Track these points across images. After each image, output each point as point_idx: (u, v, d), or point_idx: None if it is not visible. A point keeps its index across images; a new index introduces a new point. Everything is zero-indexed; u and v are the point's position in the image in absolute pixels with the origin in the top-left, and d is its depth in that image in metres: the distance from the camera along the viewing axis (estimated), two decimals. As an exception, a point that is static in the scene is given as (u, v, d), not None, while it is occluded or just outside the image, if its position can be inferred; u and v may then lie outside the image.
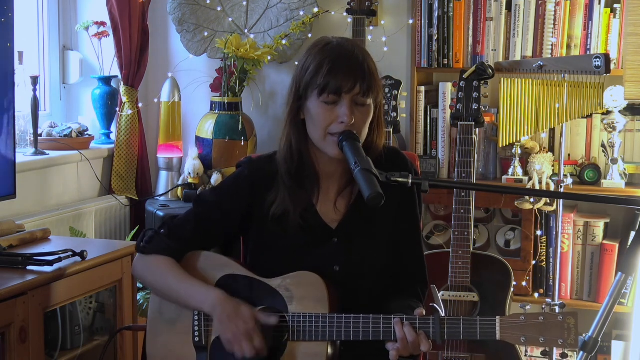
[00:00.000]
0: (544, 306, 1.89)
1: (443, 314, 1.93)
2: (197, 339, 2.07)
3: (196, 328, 2.07)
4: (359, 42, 2.11)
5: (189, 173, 3.82)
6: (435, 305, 1.95)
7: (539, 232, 3.46)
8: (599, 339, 1.81)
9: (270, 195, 2.11)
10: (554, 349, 3.25)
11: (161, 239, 2.13)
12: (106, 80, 3.96)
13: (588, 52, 3.43)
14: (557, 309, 3.26)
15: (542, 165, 3.41)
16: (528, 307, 1.92)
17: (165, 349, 2.11)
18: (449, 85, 3.62)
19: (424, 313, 1.93)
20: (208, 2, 4.00)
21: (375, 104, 2.06)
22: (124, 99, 3.89)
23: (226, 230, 2.18)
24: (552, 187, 3.34)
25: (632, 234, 3.35)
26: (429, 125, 3.67)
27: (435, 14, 3.59)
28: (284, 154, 2.11)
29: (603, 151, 3.45)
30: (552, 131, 3.56)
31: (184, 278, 2.08)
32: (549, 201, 3.32)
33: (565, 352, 3.35)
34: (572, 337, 1.82)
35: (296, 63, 3.85)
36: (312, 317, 1.99)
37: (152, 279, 2.13)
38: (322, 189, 2.13)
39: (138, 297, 3.24)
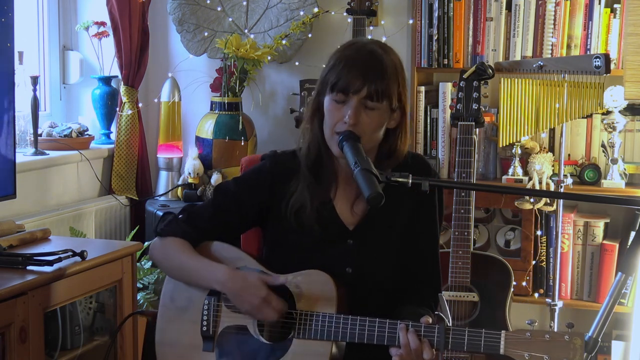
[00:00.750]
0: (551, 324, 1.87)
1: (449, 323, 1.93)
2: (204, 327, 2.09)
3: (205, 317, 2.09)
4: (383, 44, 2.09)
5: (189, 173, 3.82)
6: (441, 314, 1.95)
7: (539, 232, 3.46)
8: (599, 339, 1.81)
9: (289, 190, 2.13)
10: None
11: (179, 224, 2.17)
12: (106, 80, 3.95)
13: (588, 52, 3.43)
14: (555, 315, 3.26)
15: (542, 165, 3.41)
16: (536, 324, 1.90)
17: (173, 336, 2.13)
18: (449, 85, 3.62)
19: (430, 321, 1.92)
20: (208, 2, 4.00)
21: (396, 109, 2.05)
22: (124, 99, 3.89)
23: (243, 222, 2.20)
24: (552, 187, 3.34)
25: (632, 234, 3.35)
26: (429, 125, 3.67)
27: (435, 14, 3.58)
28: (304, 149, 2.13)
29: (603, 151, 3.45)
30: (552, 131, 3.56)
31: (195, 257, 2.11)
32: (549, 201, 3.32)
33: None
34: (578, 358, 1.79)
35: (297, 63, 3.91)
36: (318, 316, 1.99)
37: (166, 259, 2.16)
38: (340, 187, 2.14)
39: (138, 297, 3.24)
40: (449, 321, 1.93)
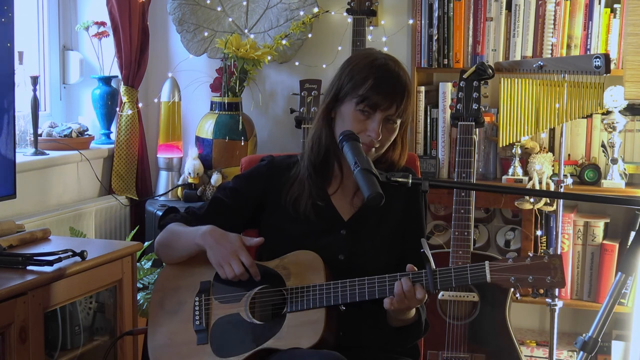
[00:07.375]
0: (530, 254, 1.98)
1: (433, 266, 1.99)
2: (197, 322, 2.13)
3: (197, 312, 2.13)
4: (399, 62, 2.22)
5: (189, 173, 3.82)
6: (424, 251, 1.98)
7: (539, 232, 3.46)
8: (599, 339, 1.81)
9: (288, 180, 2.23)
10: (553, 343, 3.26)
11: (177, 215, 2.29)
12: (106, 80, 3.95)
13: (588, 52, 3.43)
14: (555, 315, 3.25)
15: (542, 165, 3.41)
16: (515, 255, 2.00)
17: (165, 338, 2.16)
18: (449, 85, 3.62)
19: (416, 269, 2.00)
20: (208, 2, 4.00)
21: (401, 122, 2.19)
22: (124, 99, 3.89)
23: (240, 214, 2.28)
24: (552, 187, 3.34)
25: (632, 234, 3.34)
26: (429, 125, 3.67)
27: (435, 14, 3.59)
28: (310, 145, 2.23)
29: (603, 151, 3.45)
30: (552, 131, 3.56)
31: (188, 226, 2.20)
32: (549, 201, 3.32)
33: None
34: (559, 275, 1.93)
35: (297, 63, 3.91)
36: (308, 287, 2.06)
37: (164, 238, 2.23)
38: (342, 184, 2.23)
39: (138, 297, 3.24)
40: (432, 262, 1.99)
